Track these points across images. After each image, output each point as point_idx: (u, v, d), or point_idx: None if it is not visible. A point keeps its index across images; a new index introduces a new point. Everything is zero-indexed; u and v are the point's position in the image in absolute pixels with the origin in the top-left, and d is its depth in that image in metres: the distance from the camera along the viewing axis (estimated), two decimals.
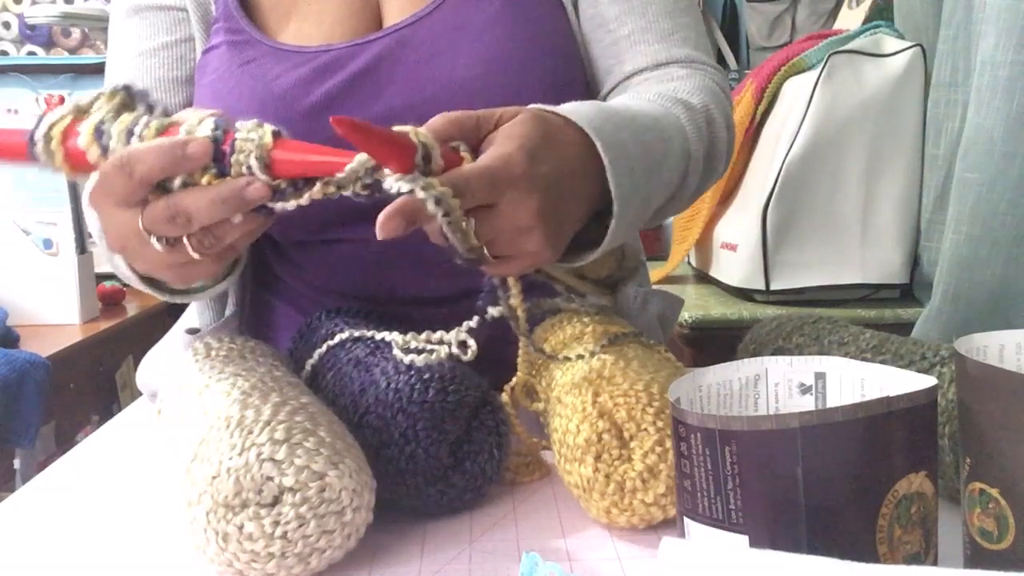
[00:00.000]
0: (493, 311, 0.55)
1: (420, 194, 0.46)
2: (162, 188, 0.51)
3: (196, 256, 0.52)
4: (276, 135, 0.50)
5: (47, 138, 0.51)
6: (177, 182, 0.50)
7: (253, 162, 0.49)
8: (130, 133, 0.51)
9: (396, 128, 0.48)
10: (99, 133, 0.51)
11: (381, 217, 0.46)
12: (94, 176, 0.52)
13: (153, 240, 0.51)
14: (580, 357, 0.60)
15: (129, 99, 0.53)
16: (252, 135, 0.50)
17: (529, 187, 0.49)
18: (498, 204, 0.49)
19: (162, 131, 0.51)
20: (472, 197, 0.48)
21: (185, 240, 0.52)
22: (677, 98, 0.70)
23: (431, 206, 0.46)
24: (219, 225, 0.51)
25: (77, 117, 0.52)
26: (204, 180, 0.50)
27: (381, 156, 0.47)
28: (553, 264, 0.57)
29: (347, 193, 0.49)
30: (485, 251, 0.50)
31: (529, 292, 0.64)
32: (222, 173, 0.50)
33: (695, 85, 0.72)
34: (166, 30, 0.78)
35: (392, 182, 0.47)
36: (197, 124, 0.50)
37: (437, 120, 0.52)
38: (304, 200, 0.50)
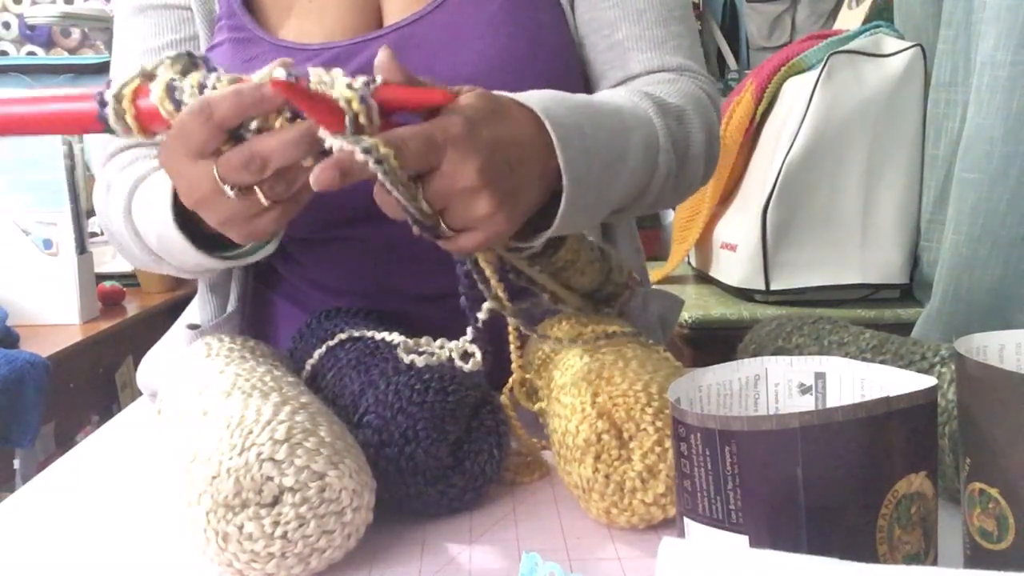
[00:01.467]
0: (482, 314, 0.55)
1: (347, 145, 0.47)
2: (235, 138, 0.52)
3: (267, 203, 0.53)
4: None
5: (118, 97, 0.52)
6: (253, 125, 0.51)
7: (356, 97, 0.49)
8: (203, 87, 0.52)
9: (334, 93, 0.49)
10: (171, 90, 0.52)
11: (316, 168, 0.48)
12: (165, 136, 0.53)
13: (227, 188, 0.52)
14: (572, 342, 0.60)
15: (192, 62, 0.54)
16: (338, 75, 0.50)
17: (468, 147, 0.49)
18: (440, 166, 0.49)
19: (234, 81, 0.52)
20: (409, 156, 0.48)
21: (257, 188, 0.53)
22: (648, 93, 0.70)
23: (359, 155, 0.47)
24: (290, 170, 0.52)
25: (144, 81, 0.53)
26: (278, 123, 0.51)
27: (315, 116, 0.49)
28: (513, 253, 0.58)
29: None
30: (442, 224, 0.51)
31: (522, 295, 0.64)
32: (295, 116, 0.51)
33: (677, 89, 0.73)
34: (171, 28, 0.79)
35: (328, 138, 0.48)
36: (269, 74, 0.51)
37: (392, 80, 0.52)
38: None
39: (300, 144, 0.50)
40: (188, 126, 0.51)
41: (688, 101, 0.72)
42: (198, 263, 0.67)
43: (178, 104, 0.52)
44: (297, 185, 0.53)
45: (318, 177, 0.47)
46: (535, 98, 0.55)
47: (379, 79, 0.50)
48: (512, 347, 0.63)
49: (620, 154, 0.62)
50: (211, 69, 0.54)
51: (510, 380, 0.65)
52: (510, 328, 0.60)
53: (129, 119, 0.53)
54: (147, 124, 0.53)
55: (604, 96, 0.68)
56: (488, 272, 0.55)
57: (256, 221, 0.55)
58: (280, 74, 0.50)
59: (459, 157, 0.49)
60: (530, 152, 0.53)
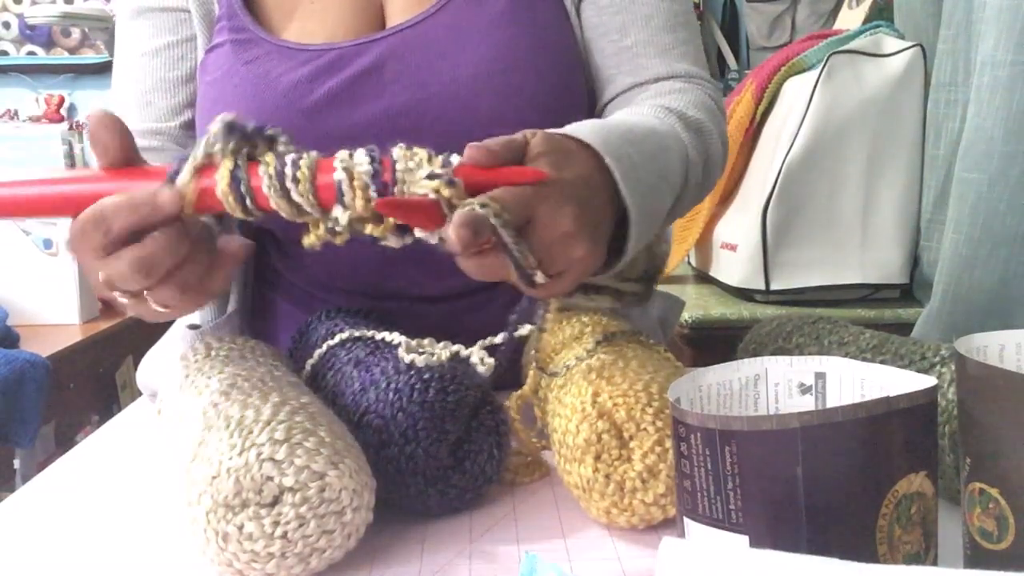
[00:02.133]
0: (523, 330, 0.55)
1: (480, 209, 0.47)
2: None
3: (161, 309, 0.52)
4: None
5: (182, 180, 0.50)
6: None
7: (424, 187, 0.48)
8: (282, 177, 0.49)
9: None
10: (235, 180, 0.49)
11: (453, 227, 0.47)
12: (70, 232, 0.50)
13: (117, 296, 0.51)
14: (572, 365, 0.61)
15: (243, 136, 0.50)
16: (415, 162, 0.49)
17: (561, 193, 0.50)
18: (536, 217, 0.50)
19: (314, 170, 0.49)
20: (510, 213, 0.48)
21: (147, 294, 0.51)
22: (671, 108, 0.71)
23: (491, 216, 0.47)
24: (176, 271, 0.50)
25: (205, 160, 0.50)
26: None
27: (416, 223, 0.49)
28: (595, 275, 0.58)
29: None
30: (539, 274, 0.51)
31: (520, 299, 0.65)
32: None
33: (690, 100, 0.73)
34: (168, 30, 0.79)
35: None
36: (350, 157, 0.49)
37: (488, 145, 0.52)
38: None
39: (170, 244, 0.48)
40: (86, 233, 0.49)
41: (703, 112, 0.73)
42: None
43: (242, 198, 0.49)
44: (207, 284, 0.51)
45: (459, 238, 0.47)
46: (587, 132, 0.56)
47: (454, 159, 0.50)
48: (531, 369, 0.64)
49: (663, 175, 0.63)
50: (268, 138, 0.51)
51: (518, 393, 0.65)
52: (536, 342, 0.61)
53: (188, 201, 0.50)
54: (201, 206, 0.50)
55: (635, 117, 0.68)
56: (551, 312, 0.56)
57: (168, 312, 0.54)
58: (362, 159, 0.48)
59: (555, 204, 0.50)
60: (597, 188, 0.54)
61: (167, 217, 0.49)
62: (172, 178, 0.50)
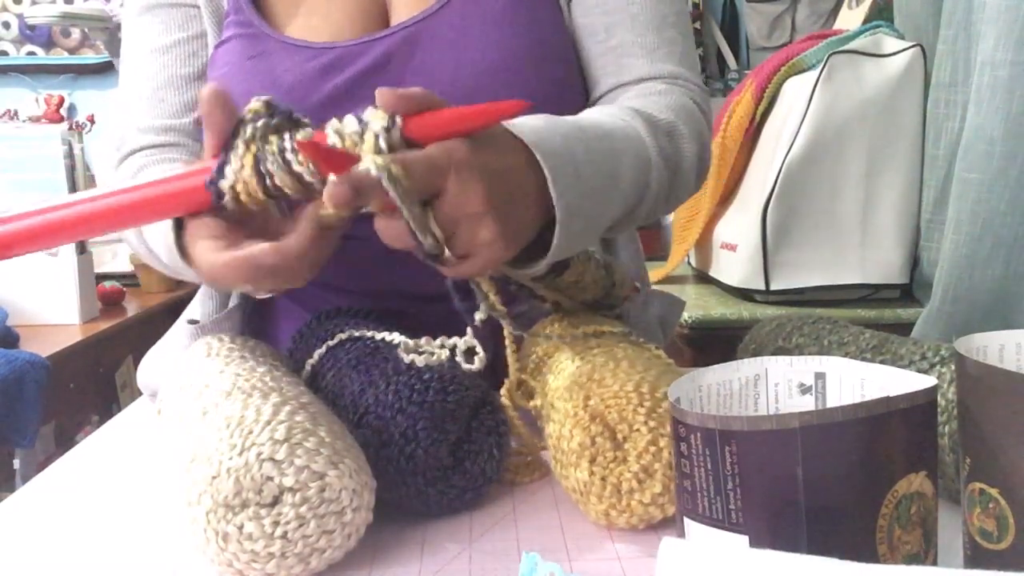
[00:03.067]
0: (479, 315, 0.55)
1: (368, 164, 0.47)
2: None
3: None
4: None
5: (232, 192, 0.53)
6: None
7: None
8: (284, 157, 0.52)
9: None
10: (258, 161, 0.52)
11: (329, 184, 0.47)
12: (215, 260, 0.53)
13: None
14: (559, 337, 0.60)
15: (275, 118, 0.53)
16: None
17: (473, 172, 0.50)
18: (446, 189, 0.49)
19: (308, 139, 0.51)
20: (417, 177, 0.48)
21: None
22: (638, 110, 0.70)
23: (373, 171, 0.47)
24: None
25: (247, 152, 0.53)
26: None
27: (334, 168, 0.49)
28: (514, 271, 0.58)
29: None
30: (446, 251, 0.51)
31: (517, 300, 0.64)
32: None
33: (667, 103, 0.73)
34: (179, 26, 0.79)
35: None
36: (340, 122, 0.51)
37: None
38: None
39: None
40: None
41: (679, 114, 0.72)
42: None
43: (263, 178, 0.52)
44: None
45: (331, 192, 0.47)
46: (528, 127, 0.55)
47: (398, 119, 0.50)
48: (508, 350, 0.63)
49: (612, 178, 0.62)
50: (293, 120, 0.54)
51: (507, 382, 0.65)
52: (505, 332, 0.61)
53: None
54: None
55: (595, 117, 0.67)
56: (483, 284, 0.56)
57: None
58: (351, 122, 0.50)
59: (465, 181, 0.49)
60: (525, 181, 0.54)
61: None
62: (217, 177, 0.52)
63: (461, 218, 0.50)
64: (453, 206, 0.49)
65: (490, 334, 0.59)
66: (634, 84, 0.75)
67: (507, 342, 0.62)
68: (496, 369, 0.65)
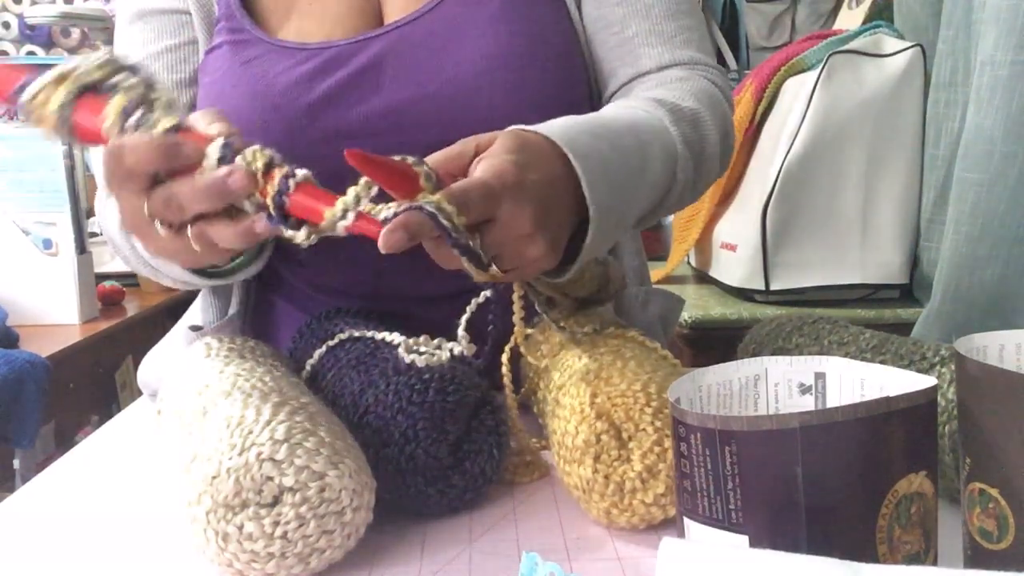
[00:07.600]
0: (487, 292, 0.56)
1: (426, 207, 0.47)
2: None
3: (196, 247, 0.52)
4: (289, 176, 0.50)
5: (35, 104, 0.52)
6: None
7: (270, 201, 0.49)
8: (138, 123, 0.51)
9: (397, 158, 0.49)
10: (125, 115, 0.51)
11: (384, 231, 0.47)
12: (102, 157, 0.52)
13: (157, 224, 0.52)
14: (562, 328, 0.61)
15: (125, 72, 0.53)
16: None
17: (524, 195, 0.50)
18: (497, 215, 0.50)
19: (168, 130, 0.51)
20: (472, 210, 0.49)
21: (189, 230, 0.52)
22: (661, 100, 0.70)
23: (430, 214, 0.47)
24: (214, 221, 0.51)
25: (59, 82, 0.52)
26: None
27: (389, 184, 0.48)
28: (539, 277, 0.58)
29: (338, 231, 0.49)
30: (494, 267, 0.51)
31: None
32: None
33: (689, 89, 0.73)
34: (170, 33, 0.79)
35: (396, 206, 0.48)
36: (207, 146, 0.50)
37: (436, 157, 0.54)
38: (301, 236, 0.50)
39: (209, 194, 0.49)
40: (108, 164, 0.50)
41: (701, 100, 0.73)
42: (187, 280, 0.67)
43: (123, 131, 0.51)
44: (218, 239, 0.52)
45: (387, 240, 0.47)
46: (557, 130, 0.56)
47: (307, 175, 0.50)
48: (516, 307, 0.61)
49: (640, 172, 0.62)
50: (147, 83, 0.53)
51: (512, 338, 0.63)
52: (514, 296, 0.60)
53: (49, 125, 0.52)
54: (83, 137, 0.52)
55: (618, 111, 0.68)
56: (537, 285, 0.57)
57: (192, 256, 0.54)
58: (215, 150, 0.49)
59: (516, 205, 0.50)
60: (562, 189, 0.54)
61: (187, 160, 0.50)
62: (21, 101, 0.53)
63: (509, 241, 0.51)
64: (504, 233, 0.50)
65: (497, 326, 0.59)
66: (654, 72, 0.76)
67: (515, 307, 0.61)
68: (497, 368, 0.65)
